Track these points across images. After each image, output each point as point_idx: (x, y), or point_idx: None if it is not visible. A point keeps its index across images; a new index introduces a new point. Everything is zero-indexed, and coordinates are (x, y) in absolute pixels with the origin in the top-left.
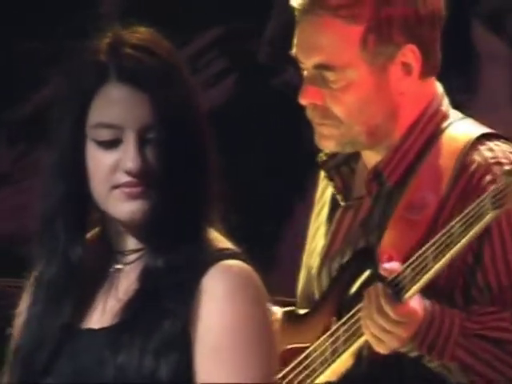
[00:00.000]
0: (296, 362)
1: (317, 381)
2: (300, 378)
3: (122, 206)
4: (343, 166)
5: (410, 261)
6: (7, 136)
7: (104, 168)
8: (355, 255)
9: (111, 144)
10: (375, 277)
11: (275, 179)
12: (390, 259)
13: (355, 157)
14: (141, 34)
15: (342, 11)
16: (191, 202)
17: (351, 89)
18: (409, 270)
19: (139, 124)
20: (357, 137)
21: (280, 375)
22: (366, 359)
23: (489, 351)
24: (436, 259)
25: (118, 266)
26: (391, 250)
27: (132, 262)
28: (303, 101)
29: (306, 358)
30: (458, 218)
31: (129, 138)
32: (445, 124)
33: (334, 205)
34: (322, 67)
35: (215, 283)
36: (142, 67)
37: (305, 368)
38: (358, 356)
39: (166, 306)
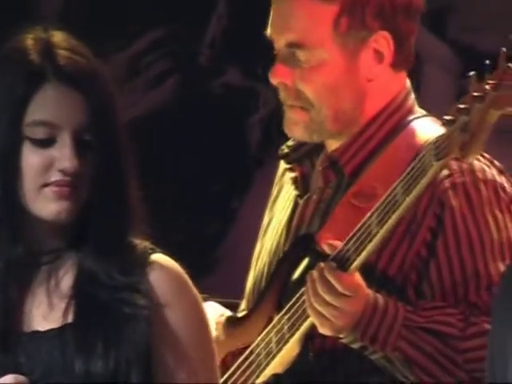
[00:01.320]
0: (241, 359)
1: (263, 374)
2: (246, 374)
3: (50, 205)
4: (305, 160)
5: (352, 234)
6: None
7: (36, 166)
8: (293, 244)
9: (46, 142)
10: (315, 263)
11: (217, 180)
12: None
13: (317, 151)
14: (62, 36)
15: None
16: (118, 204)
17: (321, 69)
18: (351, 242)
19: (75, 124)
20: (324, 122)
21: (226, 375)
22: (313, 352)
23: (432, 345)
24: (380, 223)
25: (38, 266)
26: (331, 236)
27: (53, 262)
28: (273, 79)
29: (250, 353)
30: (399, 180)
31: (64, 138)
32: (409, 118)
33: (293, 199)
34: (293, 45)
35: (161, 282)
36: (77, 68)
37: (250, 364)
38: (305, 349)
39: (124, 311)
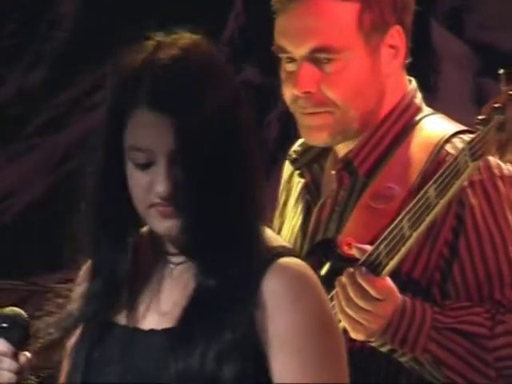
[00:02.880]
0: None
1: None
2: None
3: (159, 224)
4: (314, 164)
5: (382, 237)
6: None
7: (140, 188)
8: (313, 249)
9: (145, 166)
10: (338, 268)
11: None
12: (350, 247)
13: (325, 154)
14: (180, 44)
15: None
16: (233, 213)
17: (348, 71)
18: (382, 246)
19: (168, 148)
20: (350, 123)
21: None
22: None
23: (461, 345)
24: (414, 226)
25: (170, 266)
26: (352, 239)
27: (181, 264)
28: (299, 90)
29: None
30: (431, 182)
31: (159, 162)
32: (418, 117)
33: (305, 203)
34: (318, 51)
35: (276, 285)
36: (171, 92)
37: None
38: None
39: (224, 317)
